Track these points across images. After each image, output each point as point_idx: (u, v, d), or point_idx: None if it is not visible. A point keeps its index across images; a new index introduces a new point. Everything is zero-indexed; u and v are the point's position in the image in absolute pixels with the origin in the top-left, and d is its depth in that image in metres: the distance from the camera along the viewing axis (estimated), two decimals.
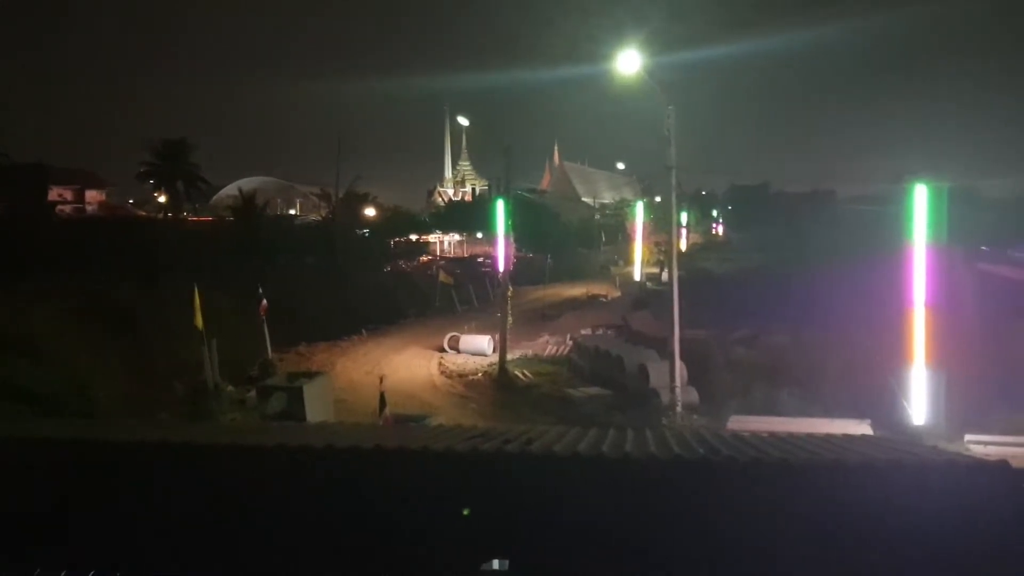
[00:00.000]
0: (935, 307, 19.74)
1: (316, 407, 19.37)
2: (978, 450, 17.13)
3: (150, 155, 61.53)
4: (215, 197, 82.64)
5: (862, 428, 17.71)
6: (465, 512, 5.72)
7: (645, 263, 54.38)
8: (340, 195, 54.82)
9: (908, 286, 19.87)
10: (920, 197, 19.95)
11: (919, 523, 5.29)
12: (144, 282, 30.23)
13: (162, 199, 66.63)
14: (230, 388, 24.02)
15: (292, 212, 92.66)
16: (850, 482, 5.83)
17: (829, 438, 8.20)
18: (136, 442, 7.73)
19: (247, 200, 56.14)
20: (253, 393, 22.32)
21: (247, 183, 79.70)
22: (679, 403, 21.36)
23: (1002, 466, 5.75)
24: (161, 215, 63.46)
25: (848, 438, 8.39)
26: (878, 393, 20.31)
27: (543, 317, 40.87)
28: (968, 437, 18.52)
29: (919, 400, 19.52)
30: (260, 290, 27.64)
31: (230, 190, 77.75)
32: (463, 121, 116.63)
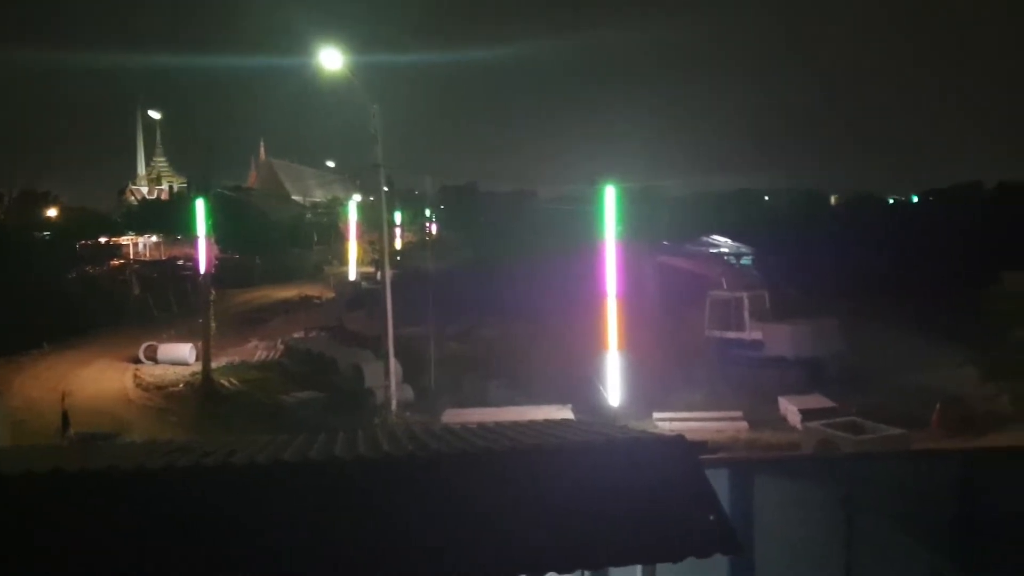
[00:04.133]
0: (624, 297, 21.58)
1: None
2: (664, 426, 18.97)
3: None
4: None
5: (563, 413, 18.93)
6: None
7: (360, 262, 54.13)
8: (14, 194, 48.98)
9: (601, 278, 21.55)
10: (609, 197, 21.71)
11: (608, 495, 5.75)
12: None
13: None
14: None
15: None
16: (546, 464, 6.16)
17: (533, 424, 8.58)
18: None
19: None
20: None
21: None
22: (394, 401, 21.53)
23: (678, 439, 6.38)
24: None
25: (550, 423, 8.83)
26: (578, 379, 21.84)
27: (252, 321, 39.55)
28: (656, 415, 20.51)
29: (614, 383, 21.23)
30: None
31: None
32: (155, 115, 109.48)
